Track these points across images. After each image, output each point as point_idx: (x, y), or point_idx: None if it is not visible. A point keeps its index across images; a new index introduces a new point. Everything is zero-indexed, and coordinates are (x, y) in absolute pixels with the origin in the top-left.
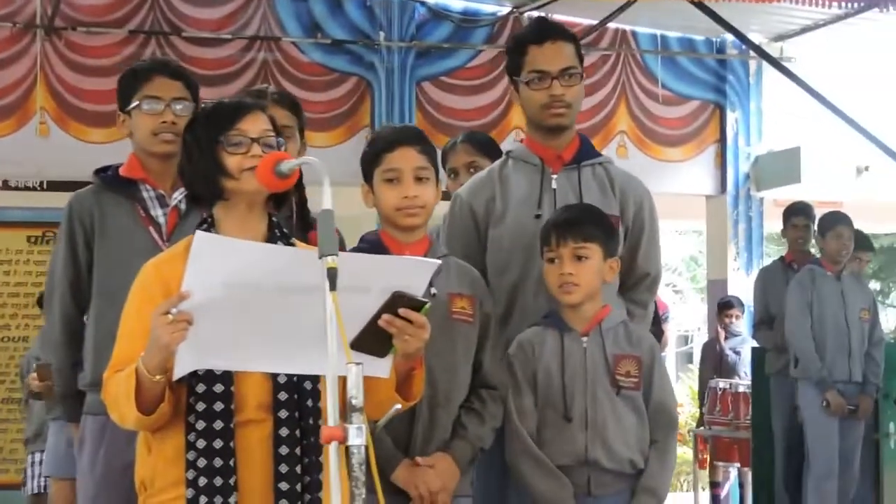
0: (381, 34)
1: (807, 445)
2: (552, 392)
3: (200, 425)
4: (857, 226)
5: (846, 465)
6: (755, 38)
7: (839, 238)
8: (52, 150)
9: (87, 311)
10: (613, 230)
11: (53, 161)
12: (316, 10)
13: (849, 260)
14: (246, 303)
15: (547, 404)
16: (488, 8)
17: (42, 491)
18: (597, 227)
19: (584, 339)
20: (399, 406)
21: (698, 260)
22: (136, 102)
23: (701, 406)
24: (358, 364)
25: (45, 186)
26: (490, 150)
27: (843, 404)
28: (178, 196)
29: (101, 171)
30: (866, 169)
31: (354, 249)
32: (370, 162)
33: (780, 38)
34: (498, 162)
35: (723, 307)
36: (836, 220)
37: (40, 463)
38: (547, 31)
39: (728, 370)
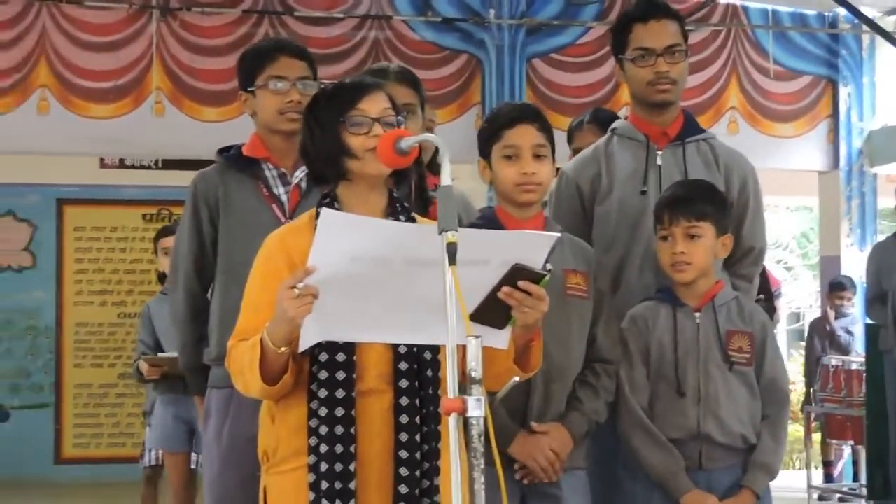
0: (492, 11)
1: None
2: (665, 366)
3: (323, 394)
4: None
5: None
6: (868, 11)
7: None
8: (168, 129)
9: (210, 288)
10: (726, 206)
11: (168, 140)
12: None
13: None
14: (369, 277)
15: (659, 378)
16: None
17: (158, 463)
18: (710, 205)
19: (697, 314)
20: (517, 378)
21: (809, 237)
22: (262, 82)
23: (808, 384)
24: (478, 337)
25: (160, 165)
26: None
27: None
28: (300, 174)
29: (224, 151)
30: None
31: (470, 225)
32: (489, 138)
33: (894, 11)
34: (603, 139)
35: (834, 288)
36: None
37: None
38: (652, 10)
39: (839, 349)
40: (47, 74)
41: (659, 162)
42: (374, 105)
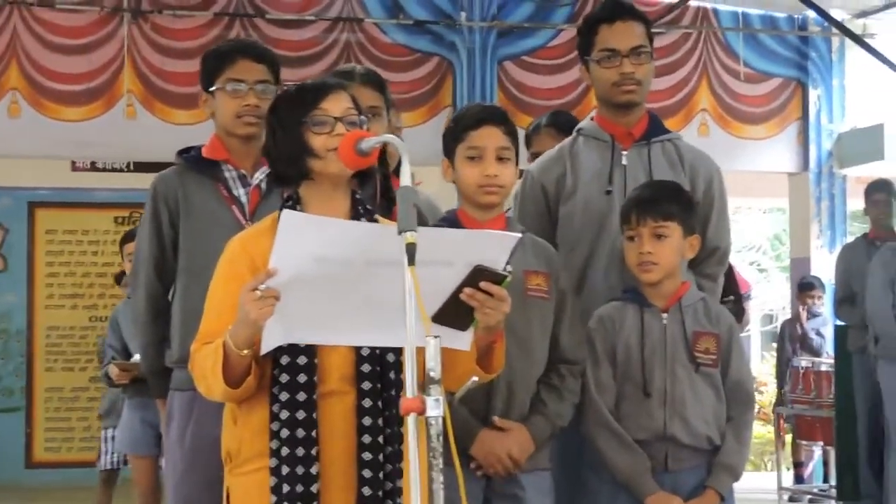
0: (463, 14)
1: (887, 423)
2: (631, 367)
3: (284, 396)
4: None
5: None
6: (837, 14)
7: (874, 205)
8: (139, 132)
9: (171, 290)
10: (693, 207)
11: (140, 143)
12: None
13: None
14: (331, 278)
15: (625, 379)
16: None
17: (115, 467)
18: (677, 205)
19: (664, 315)
20: (476, 378)
21: (782, 238)
22: (220, 84)
23: (780, 385)
24: (436, 337)
25: (131, 168)
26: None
27: None
28: (260, 176)
29: (183, 152)
30: None
31: (433, 227)
32: (453, 138)
33: (863, 14)
34: (568, 139)
35: (804, 288)
36: (872, 187)
37: (112, 439)
38: (618, 11)
39: (810, 351)
40: (18, 77)
41: (624, 162)
42: (336, 105)
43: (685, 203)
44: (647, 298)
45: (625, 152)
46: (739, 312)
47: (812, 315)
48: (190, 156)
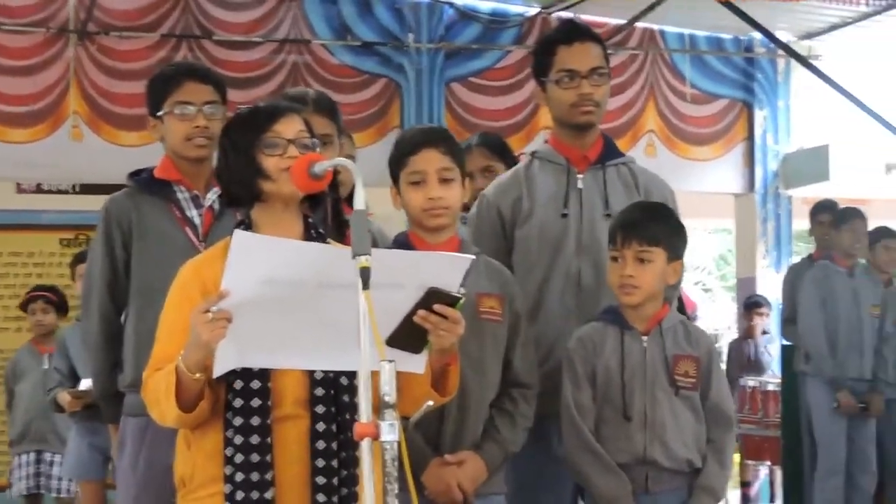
0: (410, 36)
1: (816, 443)
2: (611, 390)
3: (238, 421)
4: (885, 224)
5: (864, 463)
6: (783, 36)
7: (854, 232)
8: (85, 153)
9: (125, 313)
10: (681, 231)
11: (86, 165)
12: (345, 12)
13: (881, 251)
14: (284, 300)
15: (605, 402)
16: (516, 9)
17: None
18: (664, 229)
19: (645, 338)
20: (432, 402)
21: (727, 258)
22: (168, 108)
23: None
24: (391, 361)
25: (77, 189)
26: (505, 153)
27: (853, 405)
28: (212, 197)
29: (135, 174)
30: (895, 167)
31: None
32: (396, 164)
33: (808, 35)
34: (523, 162)
35: (750, 306)
36: (850, 214)
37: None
38: (576, 32)
39: (757, 369)
40: None
41: (580, 185)
42: (288, 127)
43: (673, 227)
44: (628, 321)
45: (580, 175)
46: None
47: (759, 333)
48: (142, 178)
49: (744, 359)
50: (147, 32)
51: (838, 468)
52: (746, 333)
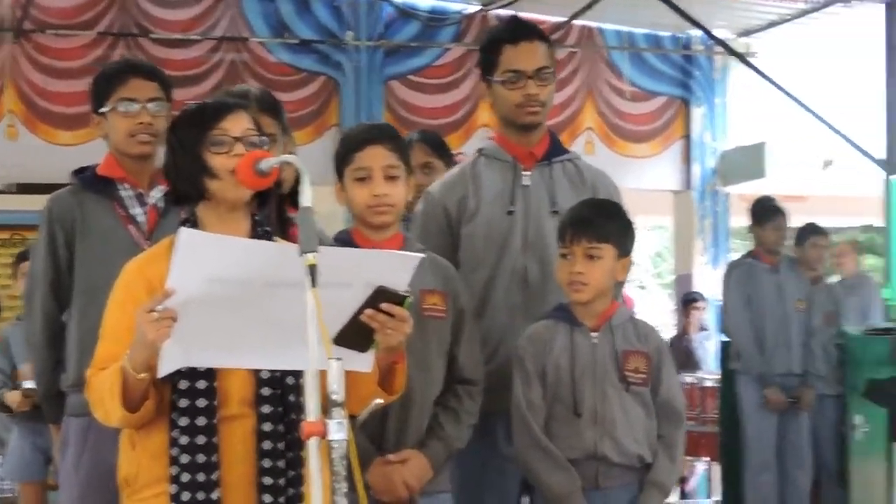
0: (349, 33)
1: (746, 438)
2: (561, 387)
3: (184, 422)
4: (821, 220)
5: (798, 458)
6: (720, 33)
7: (778, 230)
8: (22, 153)
9: (68, 312)
10: (630, 228)
11: (23, 164)
12: (283, 10)
13: (809, 248)
14: (231, 299)
15: (556, 398)
16: (455, 6)
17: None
18: (612, 226)
19: (594, 334)
20: (380, 400)
21: (663, 255)
22: (112, 105)
23: None
24: (339, 360)
25: (14, 189)
26: (443, 150)
27: (782, 401)
28: (157, 194)
29: (79, 172)
30: (831, 163)
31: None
32: (341, 161)
33: (746, 33)
34: (469, 160)
35: (687, 302)
36: (772, 210)
37: None
38: (522, 31)
39: (694, 365)
40: None
41: (526, 182)
42: (236, 124)
43: (622, 224)
44: (577, 318)
45: (526, 173)
46: None
47: (698, 329)
48: (85, 175)
49: (682, 355)
50: (84, 30)
51: (769, 464)
52: (683, 330)
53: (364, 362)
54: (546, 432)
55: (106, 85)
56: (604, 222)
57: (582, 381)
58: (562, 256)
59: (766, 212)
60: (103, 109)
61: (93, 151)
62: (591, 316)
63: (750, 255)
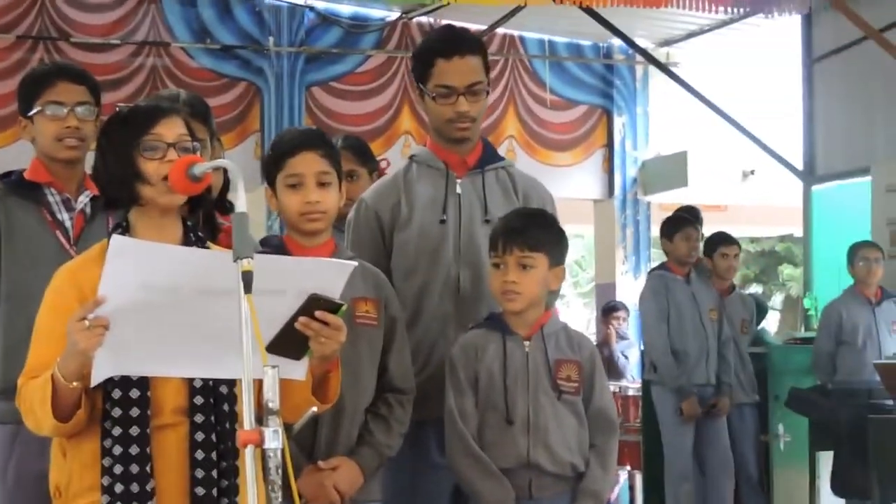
0: (271, 39)
1: (664, 447)
2: (494, 395)
3: (116, 431)
4: (742, 229)
5: (722, 463)
6: (642, 42)
7: (688, 240)
8: None
9: None
10: (562, 238)
11: None
12: (205, 15)
13: (718, 258)
14: (163, 307)
15: (488, 407)
16: (377, 13)
17: None
18: (545, 235)
19: (527, 343)
20: (315, 409)
21: (581, 264)
22: (39, 108)
23: None
24: (274, 367)
25: None
26: (367, 157)
27: (697, 412)
28: (84, 200)
29: (4, 176)
30: (752, 172)
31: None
32: (273, 166)
33: (667, 42)
34: (402, 167)
35: (608, 311)
36: (683, 222)
37: None
38: (456, 45)
39: (617, 374)
40: None
41: (458, 190)
42: (169, 130)
43: (554, 234)
44: (510, 326)
45: (459, 180)
46: None
47: (620, 337)
48: (11, 179)
49: (603, 364)
50: (2, 33)
51: (686, 473)
52: (604, 339)
53: (298, 370)
54: (478, 441)
55: (33, 87)
56: (536, 232)
57: (514, 388)
58: (494, 266)
59: (675, 224)
60: (31, 112)
61: (16, 154)
62: (523, 325)
63: (662, 266)
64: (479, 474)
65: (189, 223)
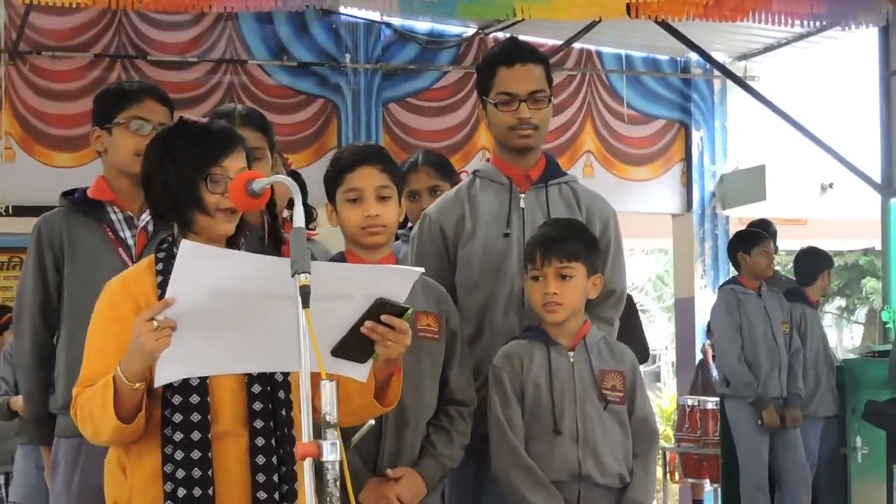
0: (347, 56)
1: (741, 462)
2: (540, 406)
3: (178, 437)
4: (821, 243)
5: (799, 475)
6: (719, 56)
7: (766, 254)
8: (18, 175)
9: (57, 334)
10: (597, 246)
11: (19, 186)
12: (282, 32)
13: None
14: (228, 310)
15: (533, 417)
16: (454, 29)
17: None
18: (581, 244)
19: (571, 353)
20: (373, 421)
21: (664, 279)
22: (122, 121)
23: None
24: (332, 380)
25: (10, 212)
26: (450, 172)
27: (776, 421)
28: (146, 217)
29: (68, 194)
30: (830, 186)
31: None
32: (332, 182)
33: (744, 56)
34: (466, 181)
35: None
36: (761, 236)
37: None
38: (517, 53)
39: (713, 393)
40: None
41: (522, 205)
42: (234, 164)
43: (589, 243)
44: (552, 337)
45: (522, 195)
46: (644, 352)
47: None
48: (75, 197)
49: (704, 382)
50: (80, 52)
51: (762, 486)
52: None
53: (361, 372)
54: (526, 451)
55: (118, 101)
56: (573, 241)
57: (561, 399)
58: (532, 279)
59: (753, 239)
60: (110, 124)
61: (89, 174)
62: (565, 335)
63: (733, 280)
64: (531, 485)
65: (242, 244)
